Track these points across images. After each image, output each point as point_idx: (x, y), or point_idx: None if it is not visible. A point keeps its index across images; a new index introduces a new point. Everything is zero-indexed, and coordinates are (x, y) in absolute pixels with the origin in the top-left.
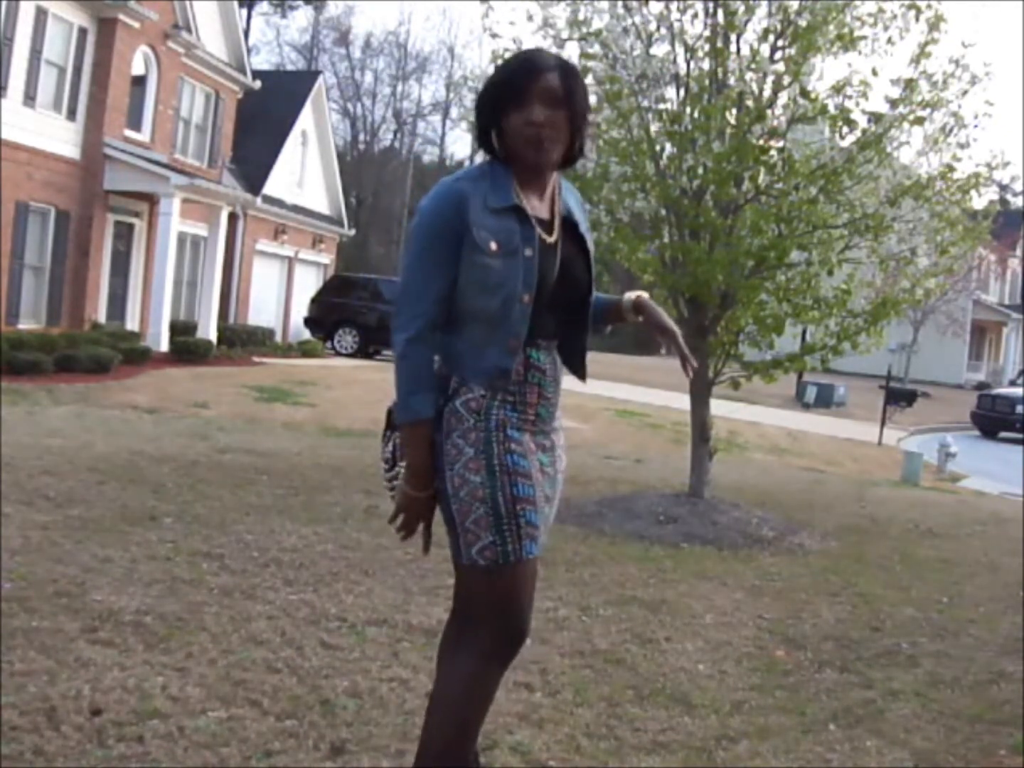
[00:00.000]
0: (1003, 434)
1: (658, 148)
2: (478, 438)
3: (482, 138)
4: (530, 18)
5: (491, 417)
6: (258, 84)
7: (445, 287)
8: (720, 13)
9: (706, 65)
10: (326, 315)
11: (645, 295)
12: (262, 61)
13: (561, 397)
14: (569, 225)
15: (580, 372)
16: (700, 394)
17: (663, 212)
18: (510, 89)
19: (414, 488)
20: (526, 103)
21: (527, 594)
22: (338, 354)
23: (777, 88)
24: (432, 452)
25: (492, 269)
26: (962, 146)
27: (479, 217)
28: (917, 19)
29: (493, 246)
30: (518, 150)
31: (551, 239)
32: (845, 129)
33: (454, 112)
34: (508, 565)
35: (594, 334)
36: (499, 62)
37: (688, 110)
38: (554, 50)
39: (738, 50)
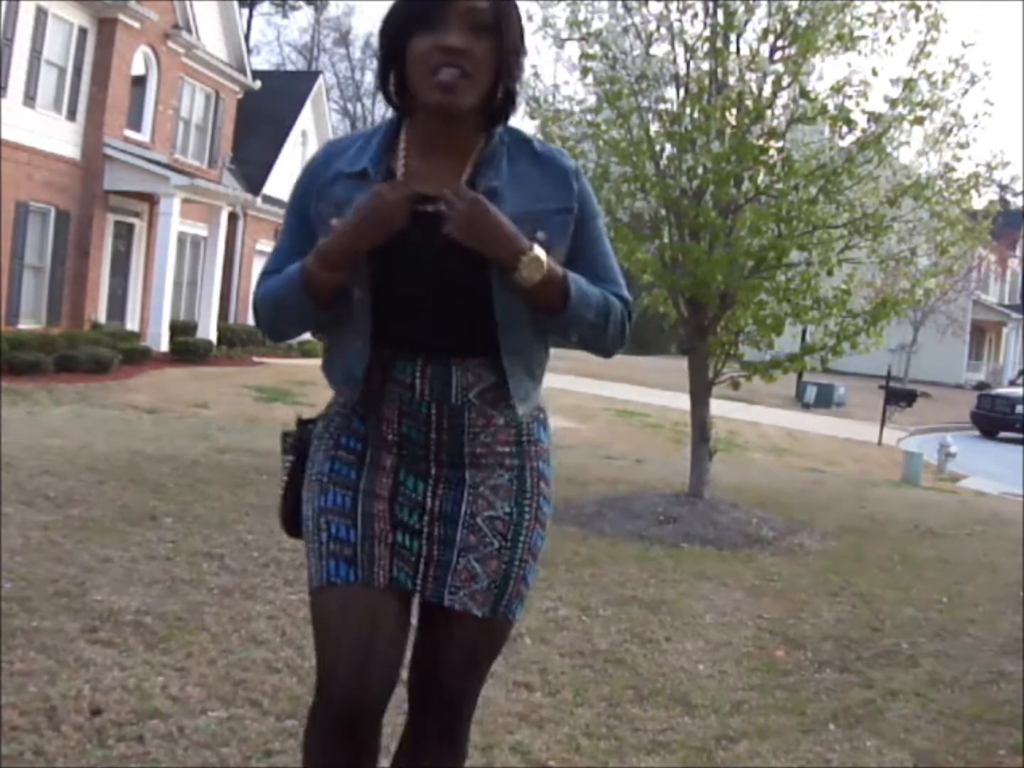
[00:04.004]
0: (1003, 434)
1: (658, 148)
2: (315, 446)
3: (383, 78)
4: (530, 18)
5: (332, 421)
6: (258, 84)
7: (285, 263)
8: (720, 13)
9: (706, 65)
10: None
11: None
12: (262, 61)
13: (495, 429)
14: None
15: (512, 403)
16: (700, 394)
17: (663, 212)
18: (422, 5)
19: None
20: (440, 23)
21: (340, 636)
22: None
23: (777, 88)
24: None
25: None
26: (962, 146)
27: (327, 184)
28: (917, 19)
29: (334, 223)
30: (419, 87)
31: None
32: (845, 129)
33: None
34: (313, 593)
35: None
36: None
37: (688, 110)
38: (554, 50)
39: (738, 50)
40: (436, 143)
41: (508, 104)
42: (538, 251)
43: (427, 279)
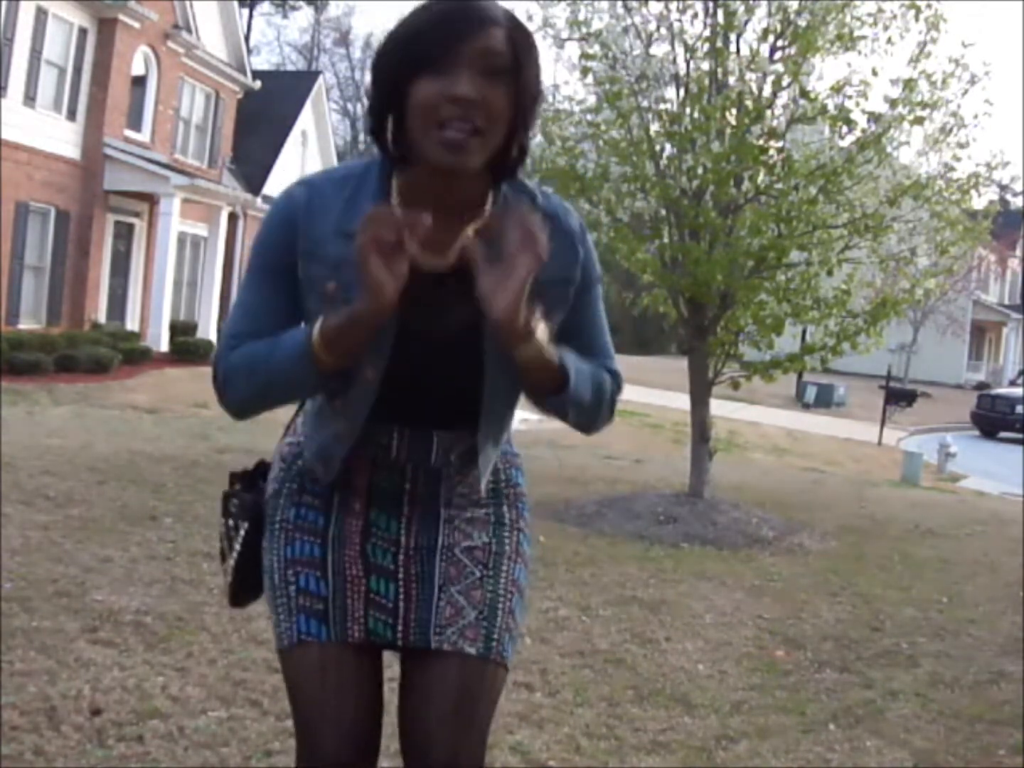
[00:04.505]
0: (1003, 434)
1: (658, 148)
2: (274, 490)
3: (376, 122)
4: (530, 18)
5: (294, 465)
6: (258, 84)
7: (262, 326)
8: (720, 13)
9: (706, 65)
10: None
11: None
12: (262, 61)
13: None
14: None
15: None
16: (700, 394)
17: (663, 212)
18: (427, 43)
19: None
20: (450, 67)
21: (319, 700)
22: None
23: (777, 88)
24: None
25: None
26: (962, 146)
27: (318, 242)
28: (917, 19)
29: (331, 287)
30: (422, 141)
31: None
32: (845, 129)
33: None
34: (284, 652)
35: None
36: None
37: (688, 110)
38: (554, 50)
39: (738, 50)
40: (436, 199)
41: (520, 159)
42: (541, 325)
43: (428, 358)
